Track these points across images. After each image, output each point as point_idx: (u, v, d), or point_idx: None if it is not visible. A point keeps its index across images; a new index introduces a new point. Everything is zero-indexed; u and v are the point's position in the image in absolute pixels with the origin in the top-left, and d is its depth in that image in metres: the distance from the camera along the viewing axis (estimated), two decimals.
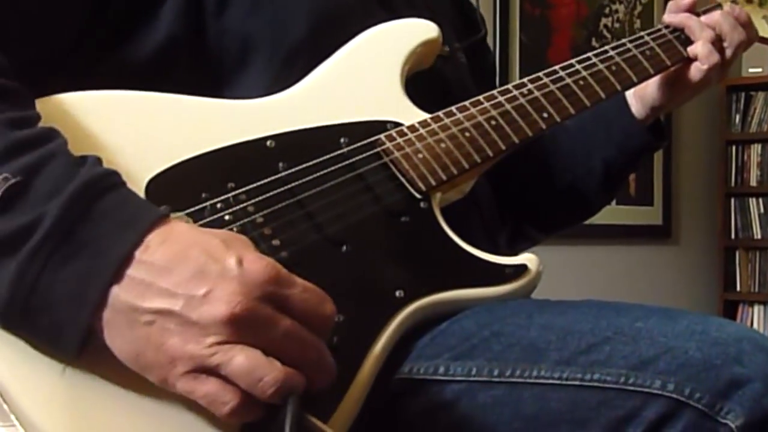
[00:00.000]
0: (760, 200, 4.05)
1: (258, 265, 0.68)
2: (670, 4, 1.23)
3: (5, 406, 0.71)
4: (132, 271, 0.68)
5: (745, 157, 4.10)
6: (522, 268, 0.91)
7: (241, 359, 0.66)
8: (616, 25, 3.79)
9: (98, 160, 0.74)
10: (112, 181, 0.73)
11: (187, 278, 0.67)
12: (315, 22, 0.98)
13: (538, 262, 0.92)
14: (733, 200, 4.10)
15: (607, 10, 3.77)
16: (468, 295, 0.89)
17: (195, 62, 0.95)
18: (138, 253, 0.68)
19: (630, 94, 1.24)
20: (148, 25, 0.93)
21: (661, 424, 0.77)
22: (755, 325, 4.02)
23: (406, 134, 0.94)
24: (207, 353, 0.66)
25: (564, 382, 0.80)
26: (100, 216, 0.70)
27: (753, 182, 4.08)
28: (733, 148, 4.11)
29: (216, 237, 0.70)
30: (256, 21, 0.96)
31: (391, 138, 0.93)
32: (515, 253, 0.94)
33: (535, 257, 0.92)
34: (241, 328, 0.66)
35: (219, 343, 0.66)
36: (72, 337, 0.68)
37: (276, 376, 0.66)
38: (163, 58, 0.93)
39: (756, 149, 4.07)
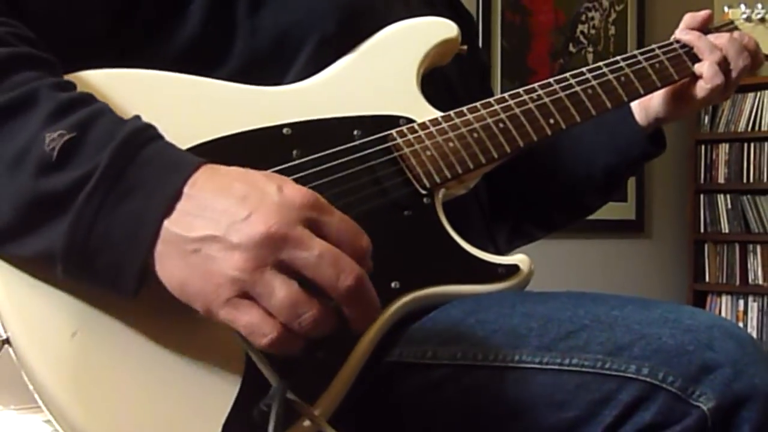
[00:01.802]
0: (728, 196, 4.06)
1: (297, 191, 0.69)
2: (686, 17, 1.20)
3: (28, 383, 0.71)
4: (181, 205, 0.69)
5: (714, 155, 4.11)
6: (514, 269, 0.90)
7: (283, 294, 0.66)
8: (592, 31, 3.80)
9: (139, 117, 0.75)
10: (155, 132, 0.73)
11: (231, 206, 0.68)
12: (344, 16, 0.96)
13: (530, 264, 0.90)
14: (702, 196, 4.11)
15: (583, 17, 3.77)
16: (460, 291, 0.88)
17: (224, 59, 0.92)
18: (186, 188, 0.69)
19: (635, 104, 1.21)
20: (176, 22, 0.91)
21: (636, 406, 0.78)
22: (723, 314, 4.04)
23: (416, 131, 0.92)
24: (249, 279, 0.66)
25: (544, 367, 0.81)
26: (148, 160, 0.71)
27: (721, 179, 4.09)
28: (703, 147, 4.12)
29: (259, 173, 0.72)
30: (289, 18, 0.94)
31: (402, 134, 0.92)
32: (511, 250, 0.93)
33: (528, 258, 0.90)
34: (278, 247, 0.67)
35: (260, 267, 0.66)
36: (130, 275, 0.69)
37: (314, 314, 0.67)
38: (192, 55, 0.91)
39: (724, 148, 4.08)
